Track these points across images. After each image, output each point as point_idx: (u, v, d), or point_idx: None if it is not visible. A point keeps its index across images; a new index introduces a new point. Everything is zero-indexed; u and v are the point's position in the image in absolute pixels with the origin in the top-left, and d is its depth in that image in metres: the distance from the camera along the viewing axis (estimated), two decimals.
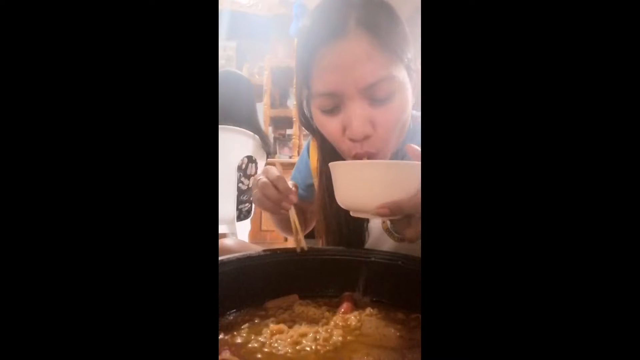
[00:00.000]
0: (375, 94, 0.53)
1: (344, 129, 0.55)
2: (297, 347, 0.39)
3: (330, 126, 0.57)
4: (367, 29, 0.52)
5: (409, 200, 0.43)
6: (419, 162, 0.44)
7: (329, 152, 0.69)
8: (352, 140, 0.55)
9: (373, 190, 0.43)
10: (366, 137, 0.55)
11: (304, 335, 0.41)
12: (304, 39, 0.56)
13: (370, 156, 0.56)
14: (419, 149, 0.45)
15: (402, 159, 0.69)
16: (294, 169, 0.87)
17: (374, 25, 0.52)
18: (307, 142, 0.84)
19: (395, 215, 0.44)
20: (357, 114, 0.53)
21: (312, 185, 0.81)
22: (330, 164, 0.50)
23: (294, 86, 0.64)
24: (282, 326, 0.42)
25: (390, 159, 0.65)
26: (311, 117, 0.63)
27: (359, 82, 0.52)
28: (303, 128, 0.72)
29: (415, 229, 0.45)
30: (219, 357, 0.37)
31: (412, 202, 0.43)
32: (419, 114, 0.74)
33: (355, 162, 0.49)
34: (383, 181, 0.43)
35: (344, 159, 0.64)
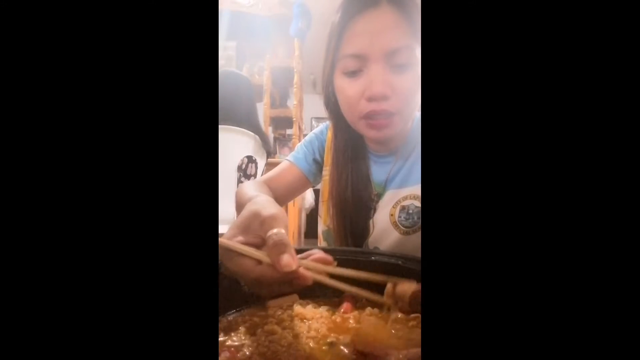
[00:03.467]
0: (396, 60, 0.60)
1: (363, 91, 0.62)
2: (297, 348, 0.39)
3: (350, 89, 0.63)
4: (396, 5, 0.61)
5: None
6: None
7: (343, 144, 0.71)
8: (370, 99, 0.61)
9: None
10: (384, 97, 0.61)
11: (303, 335, 0.41)
12: (340, 9, 0.64)
13: (388, 116, 0.62)
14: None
15: (412, 151, 0.72)
16: (304, 140, 0.87)
17: (402, 3, 0.61)
18: (327, 123, 0.84)
19: None
20: (380, 75, 0.60)
21: (318, 162, 0.82)
22: None
23: (326, 49, 0.68)
24: (276, 327, 0.42)
25: (401, 138, 0.71)
26: (333, 91, 0.68)
27: (385, 46, 0.60)
28: (301, 132, 0.75)
29: None
30: (219, 358, 0.37)
31: None
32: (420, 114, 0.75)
33: None
34: None
35: (356, 137, 0.66)
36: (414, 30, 0.61)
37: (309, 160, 0.83)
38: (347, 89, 0.64)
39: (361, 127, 0.66)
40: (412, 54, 0.61)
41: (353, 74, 0.63)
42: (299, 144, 0.87)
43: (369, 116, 0.63)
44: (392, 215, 0.71)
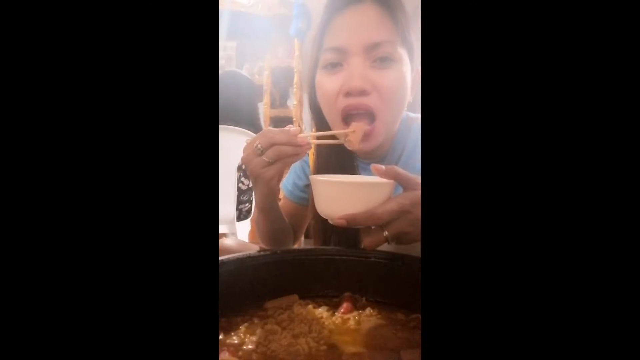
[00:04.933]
0: (377, 55, 0.58)
1: (342, 86, 0.60)
2: (297, 347, 0.39)
3: (329, 84, 0.61)
4: (379, 2, 0.60)
5: (365, 214, 0.47)
6: (383, 180, 0.49)
7: (326, 150, 0.70)
8: (348, 94, 0.59)
9: (336, 204, 0.50)
10: (363, 93, 0.59)
11: (302, 335, 0.41)
12: (324, 5, 0.63)
13: (367, 109, 0.60)
14: (383, 167, 0.49)
15: (399, 156, 0.70)
16: (289, 170, 0.86)
17: (386, 1, 0.60)
18: None
19: (351, 225, 0.48)
20: (359, 69, 0.59)
21: (309, 186, 0.80)
22: (311, 177, 0.54)
23: (311, 48, 0.67)
24: (276, 327, 0.42)
25: (388, 142, 0.69)
26: (315, 91, 0.66)
27: (365, 39, 0.58)
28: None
29: (371, 239, 0.49)
30: (219, 357, 0.37)
31: (368, 216, 0.47)
32: (415, 115, 0.74)
33: (328, 180, 0.54)
34: (344, 197, 0.50)
35: (333, 138, 0.67)
36: (398, 27, 0.60)
37: (300, 188, 0.81)
38: (326, 83, 0.62)
39: (340, 116, 0.63)
40: (395, 51, 0.59)
41: (332, 67, 0.61)
42: (288, 171, 0.84)
43: (346, 114, 0.60)
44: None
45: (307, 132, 0.59)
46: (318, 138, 0.63)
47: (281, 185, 0.84)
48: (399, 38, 0.60)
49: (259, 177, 0.56)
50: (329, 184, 0.52)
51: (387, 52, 0.59)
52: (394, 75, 0.60)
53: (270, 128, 0.57)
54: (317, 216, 0.71)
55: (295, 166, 0.84)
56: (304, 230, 0.86)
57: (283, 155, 0.54)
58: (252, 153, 0.55)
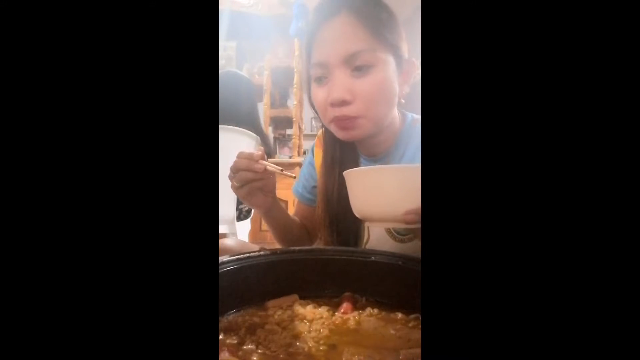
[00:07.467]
0: (355, 64, 0.61)
1: (328, 97, 0.63)
2: (296, 348, 0.39)
3: (319, 95, 0.65)
4: (354, 12, 0.63)
5: None
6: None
7: (332, 148, 0.71)
8: (332, 104, 0.63)
9: (395, 197, 0.40)
10: (344, 103, 0.62)
11: (302, 335, 0.41)
12: (309, 20, 0.67)
13: (350, 120, 0.63)
14: None
15: (402, 154, 0.71)
16: (299, 173, 0.88)
17: (360, 9, 0.63)
18: (313, 144, 0.85)
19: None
20: (339, 80, 0.62)
21: (316, 187, 0.81)
22: (345, 172, 0.52)
23: (302, 57, 0.72)
24: (276, 327, 0.42)
25: (379, 140, 0.71)
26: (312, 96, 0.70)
27: (342, 51, 0.62)
28: (303, 130, 0.77)
29: None
30: (219, 357, 0.37)
31: None
32: (419, 116, 0.75)
33: (372, 168, 0.52)
34: (405, 186, 0.40)
35: (348, 157, 0.68)
36: (374, 33, 0.62)
37: (308, 190, 0.83)
38: (317, 95, 0.66)
39: (333, 130, 0.68)
40: (373, 56, 0.62)
41: (320, 80, 0.65)
42: (300, 172, 0.88)
43: (335, 119, 0.64)
44: None
45: (267, 162, 0.64)
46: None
47: (292, 189, 0.87)
48: (376, 44, 0.62)
49: (237, 195, 0.62)
50: (379, 173, 0.42)
51: (365, 59, 0.61)
52: (373, 80, 0.62)
53: (245, 151, 0.63)
54: (327, 217, 0.73)
55: (304, 169, 0.87)
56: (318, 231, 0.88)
57: (246, 181, 0.60)
58: (230, 174, 0.63)
